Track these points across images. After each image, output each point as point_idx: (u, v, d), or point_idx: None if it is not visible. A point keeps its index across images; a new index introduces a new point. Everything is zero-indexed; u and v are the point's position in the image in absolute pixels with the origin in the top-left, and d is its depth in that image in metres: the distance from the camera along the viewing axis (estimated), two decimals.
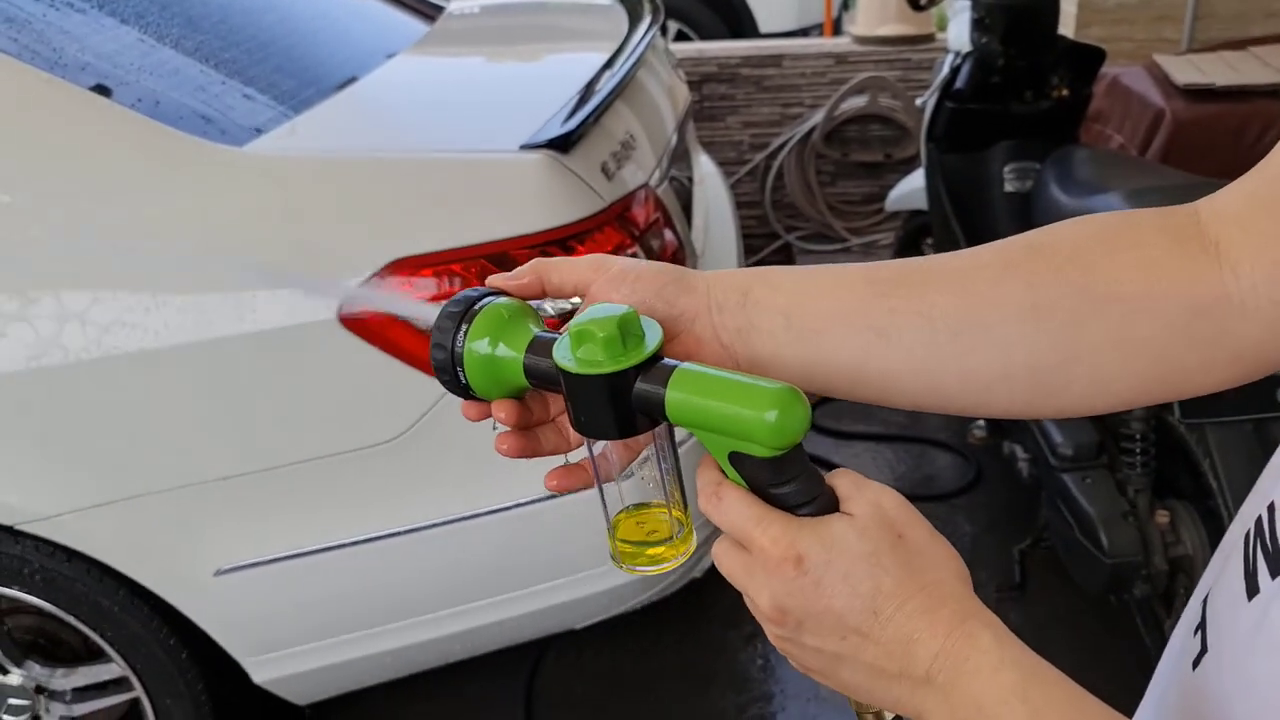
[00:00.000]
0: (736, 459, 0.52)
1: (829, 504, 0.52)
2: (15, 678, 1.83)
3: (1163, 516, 1.99)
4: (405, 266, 1.58)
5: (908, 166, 3.92)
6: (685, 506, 0.59)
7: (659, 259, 1.85)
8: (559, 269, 0.60)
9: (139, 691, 1.79)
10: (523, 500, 1.70)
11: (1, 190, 1.60)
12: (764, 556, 0.50)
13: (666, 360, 0.53)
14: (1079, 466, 2.07)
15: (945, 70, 2.66)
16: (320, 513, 1.68)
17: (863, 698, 0.52)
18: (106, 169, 1.61)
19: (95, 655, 1.79)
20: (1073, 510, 2.05)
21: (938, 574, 0.50)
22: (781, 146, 4.04)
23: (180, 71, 1.81)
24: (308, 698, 1.91)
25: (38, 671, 1.83)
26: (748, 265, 2.59)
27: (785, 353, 0.58)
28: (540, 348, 0.56)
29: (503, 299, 0.59)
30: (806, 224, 4.15)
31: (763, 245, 4.12)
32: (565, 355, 0.53)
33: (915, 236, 3.31)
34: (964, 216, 2.80)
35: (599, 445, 0.58)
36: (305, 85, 1.95)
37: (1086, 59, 2.60)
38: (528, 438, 0.61)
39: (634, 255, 1.74)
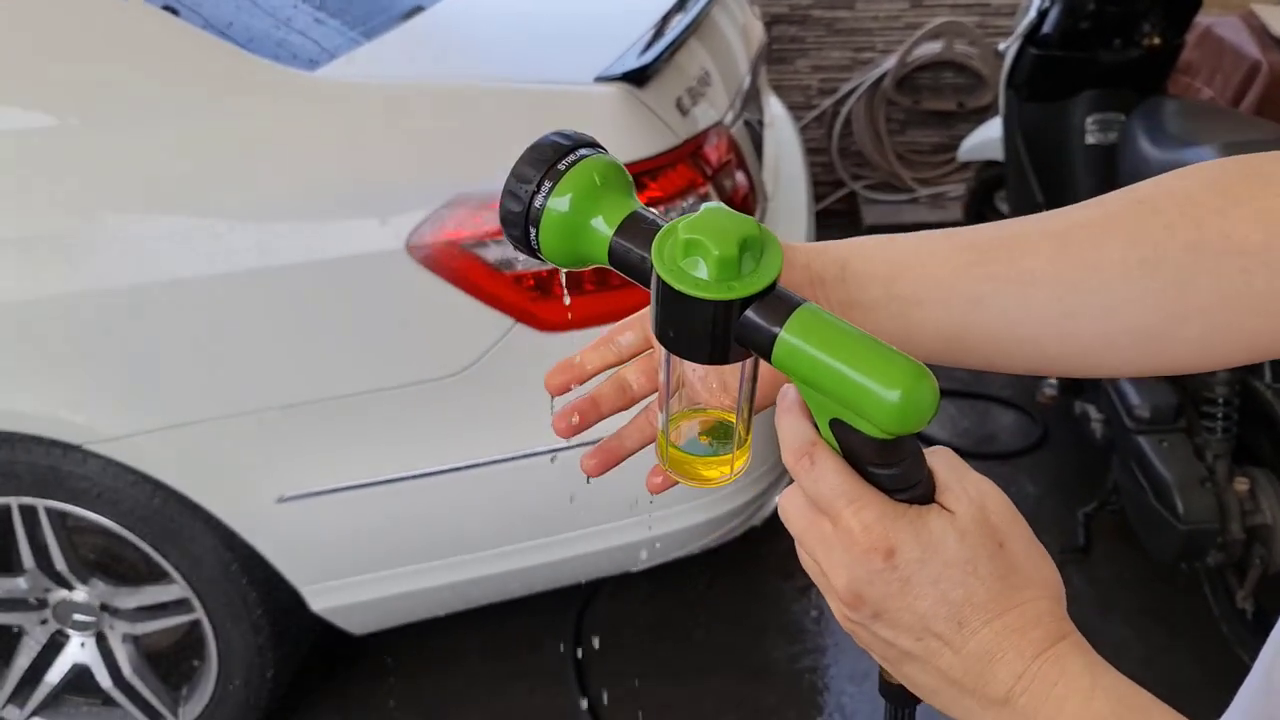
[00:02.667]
0: (839, 426, 0.46)
1: (927, 491, 0.48)
2: (81, 594, 1.86)
3: (1242, 484, 1.93)
4: (473, 199, 1.55)
5: (981, 116, 3.81)
6: (748, 428, 0.54)
7: (731, 200, 1.81)
8: None
9: (200, 613, 1.81)
10: (585, 440, 1.67)
11: (69, 110, 1.59)
12: (850, 539, 0.47)
13: (784, 292, 0.46)
14: (1156, 429, 2.01)
15: (1032, 14, 2.56)
16: (382, 445, 1.67)
17: (924, 697, 0.49)
18: (175, 88, 1.60)
19: (159, 576, 1.80)
20: (1147, 474, 1.99)
21: (1034, 591, 0.47)
22: (851, 92, 3.94)
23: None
24: (363, 628, 1.92)
25: (103, 589, 1.85)
26: (815, 212, 2.54)
27: (886, 325, 0.56)
28: (636, 231, 0.49)
29: (600, 154, 0.51)
30: (873, 173, 4.06)
31: (828, 193, 4.04)
32: (668, 262, 0.46)
33: (988, 188, 3.22)
34: (1041, 168, 2.71)
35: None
36: (375, 12, 1.92)
37: (1181, 6, 2.49)
38: (591, 407, 0.60)
39: (705, 194, 1.70)
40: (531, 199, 0.50)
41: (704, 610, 2.32)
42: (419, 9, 2.00)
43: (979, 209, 3.26)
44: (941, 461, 0.49)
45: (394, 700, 2.14)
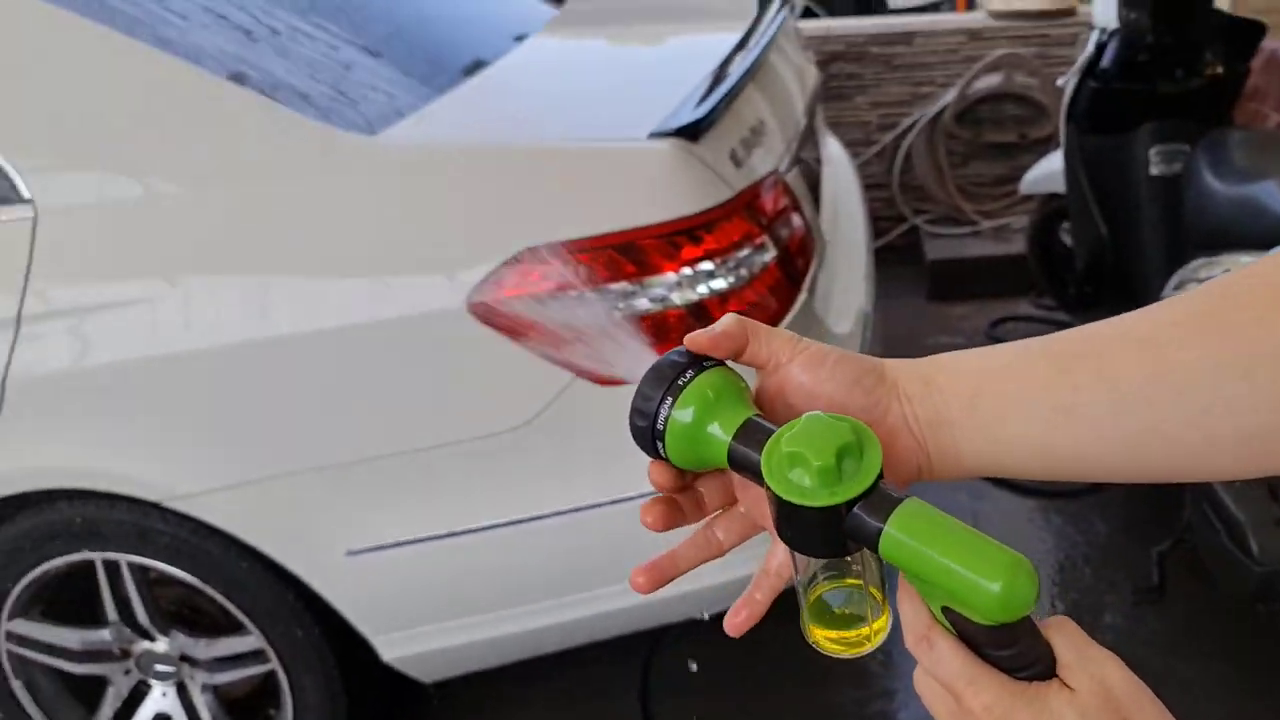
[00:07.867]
0: (951, 613, 0.49)
1: (1047, 667, 0.49)
2: (162, 645, 1.92)
3: None
4: (531, 256, 1.58)
5: (1043, 148, 3.78)
6: (883, 596, 0.56)
7: (787, 247, 1.82)
8: (759, 337, 0.57)
9: (275, 664, 1.85)
10: (647, 491, 1.68)
11: (164, 178, 1.66)
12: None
13: (889, 489, 0.49)
14: None
15: (1090, 48, 2.55)
16: (448, 498, 1.70)
17: None
18: (246, 157, 1.66)
19: (235, 628, 1.85)
20: (1220, 515, 1.95)
21: None
22: (911, 127, 3.94)
23: (318, 59, 1.84)
24: (433, 676, 1.95)
25: (183, 640, 1.91)
26: (875, 249, 2.53)
27: (976, 440, 0.55)
28: (751, 437, 0.53)
29: (718, 368, 0.55)
30: (935, 207, 4.03)
31: (889, 228, 4.03)
32: (776, 472, 0.50)
33: (1051, 220, 3.19)
34: (1104, 200, 2.68)
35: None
36: (437, 71, 1.97)
37: (1244, 34, 2.46)
38: (673, 511, 0.60)
39: (762, 245, 1.71)
40: (656, 413, 0.54)
41: (770, 654, 2.31)
42: (484, 64, 2.05)
43: (1043, 241, 3.23)
44: (1060, 636, 0.49)
45: None
